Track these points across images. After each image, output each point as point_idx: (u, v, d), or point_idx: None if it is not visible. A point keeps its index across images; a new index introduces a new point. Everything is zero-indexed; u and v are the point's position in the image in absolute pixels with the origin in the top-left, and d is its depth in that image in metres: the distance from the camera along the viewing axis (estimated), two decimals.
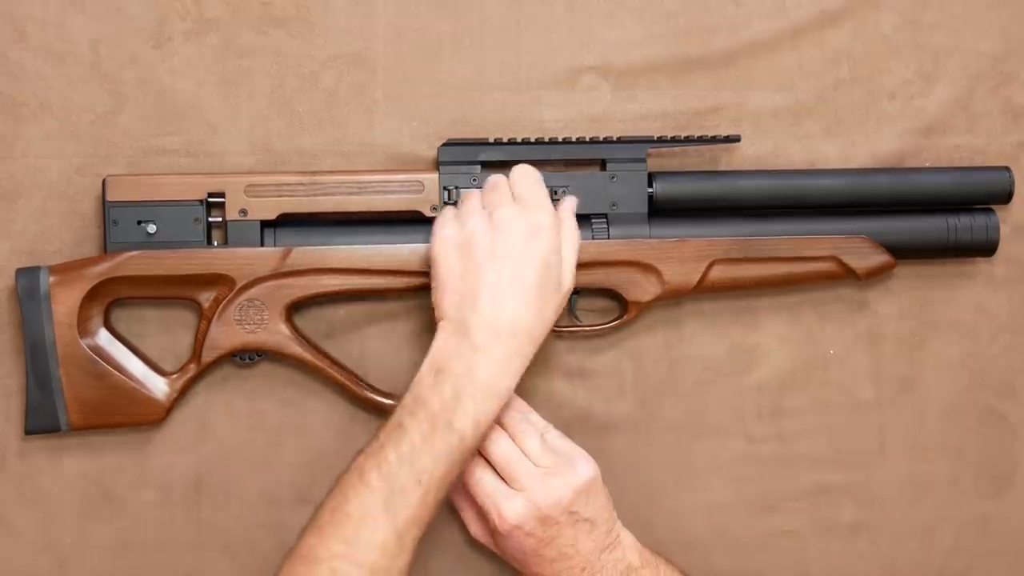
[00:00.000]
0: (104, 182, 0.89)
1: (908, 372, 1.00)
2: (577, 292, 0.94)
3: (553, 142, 0.92)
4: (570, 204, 0.89)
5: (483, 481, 0.85)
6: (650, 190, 0.93)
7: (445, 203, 0.91)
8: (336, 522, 0.78)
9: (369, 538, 0.77)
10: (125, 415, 0.90)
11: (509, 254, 0.82)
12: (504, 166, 0.92)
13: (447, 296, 0.83)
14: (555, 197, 0.91)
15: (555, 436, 0.89)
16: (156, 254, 0.89)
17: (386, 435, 0.80)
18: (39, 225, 0.93)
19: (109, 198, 0.89)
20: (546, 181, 0.91)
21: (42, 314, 0.88)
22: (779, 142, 0.99)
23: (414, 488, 0.78)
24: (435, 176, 0.91)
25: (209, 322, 0.90)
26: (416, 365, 0.82)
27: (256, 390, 0.95)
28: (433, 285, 0.85)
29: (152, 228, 0.89)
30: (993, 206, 0.96)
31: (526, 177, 0.87)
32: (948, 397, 1.00)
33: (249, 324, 0.90)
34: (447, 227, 0.85)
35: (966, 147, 1.00)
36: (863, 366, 1.00)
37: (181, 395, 0.91)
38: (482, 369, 0.80)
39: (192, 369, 0.91)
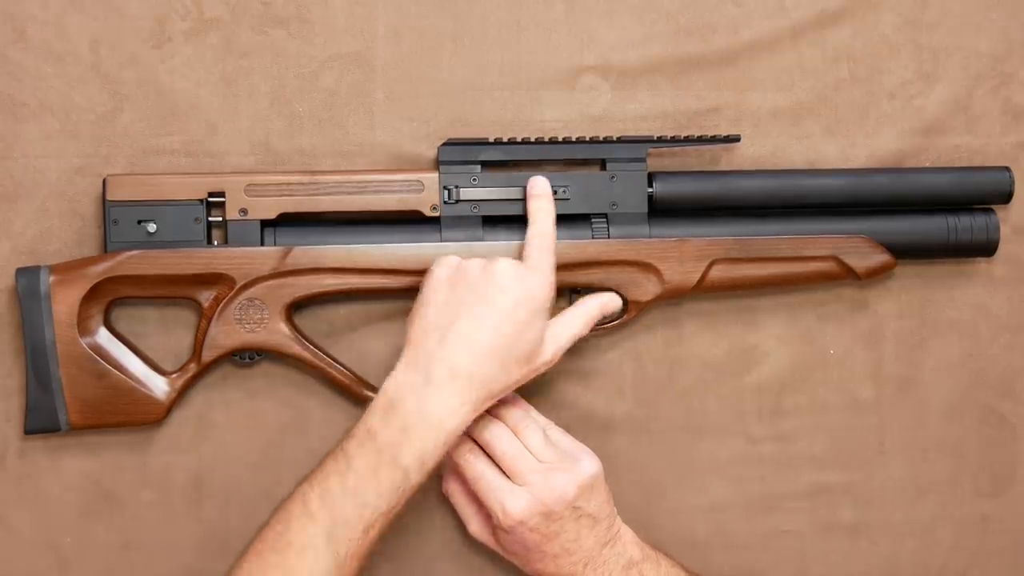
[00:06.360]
0: (104, 182, 0.89)
1: (908, 372, 1.00)
2: (577, 292, 0.94)
3: (553, 142, 0.92)
4: (596, 304, 0.89)
5: (486, 477, 0.85)
6: (650, 190, 0.93)
7: (445, 202, 0.91)
8: (277, 550, 0.78)
9: (309, 569, 0.76)
10: (125, 415, 0.90)
11: (495, 305, 0.81)
12: (504, 166, 0.92)
13: (421, 320, 0.83)
14: (558, 198, 0.91)
15: (557, 432, 0.89)
16: (156, 254, 0.89)
17: (332, 464, 0.80)
18: (39, 225, 0.93)
19: (109, 198, 0.89)
20: None
21: (42, 314, 0.87)
22: (779, 142, 0.99)
23: (357, 521, 0.78)
24: (435, 176, 0.91)
25: (209, 321, 0.90)
26: None
27: (256, 390, 0.95)
28: (415, 306, 0.85)
29: (152, 228, 0.89)
30: (993, 206, 0.96)
31: (539, 239, 0.86)
32: (948, 397, 1.00)
33: (249, 323, 0.90)
34: (451, 256, 0.86)
35: (966, 147, 1.00)
36: (863, 366, 1.00)
37: (181, 395, 0.91)
38: (433, 406, 0.79)
39: (192, 369, 0.91)
